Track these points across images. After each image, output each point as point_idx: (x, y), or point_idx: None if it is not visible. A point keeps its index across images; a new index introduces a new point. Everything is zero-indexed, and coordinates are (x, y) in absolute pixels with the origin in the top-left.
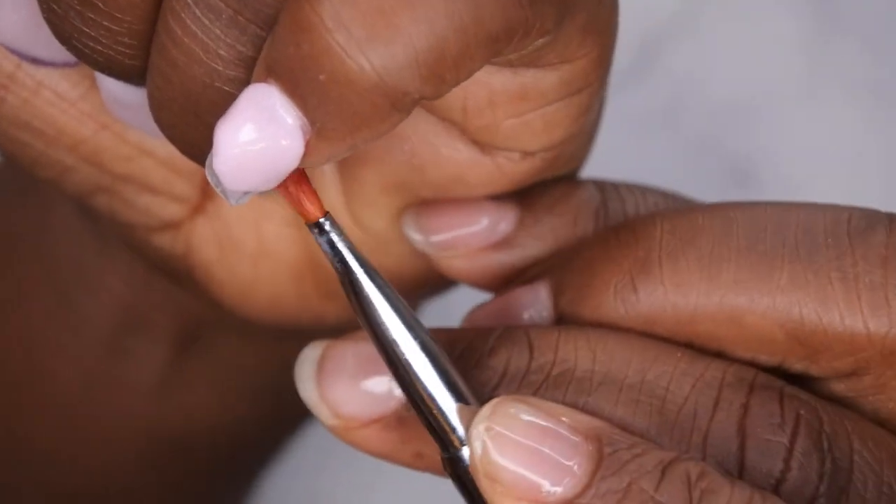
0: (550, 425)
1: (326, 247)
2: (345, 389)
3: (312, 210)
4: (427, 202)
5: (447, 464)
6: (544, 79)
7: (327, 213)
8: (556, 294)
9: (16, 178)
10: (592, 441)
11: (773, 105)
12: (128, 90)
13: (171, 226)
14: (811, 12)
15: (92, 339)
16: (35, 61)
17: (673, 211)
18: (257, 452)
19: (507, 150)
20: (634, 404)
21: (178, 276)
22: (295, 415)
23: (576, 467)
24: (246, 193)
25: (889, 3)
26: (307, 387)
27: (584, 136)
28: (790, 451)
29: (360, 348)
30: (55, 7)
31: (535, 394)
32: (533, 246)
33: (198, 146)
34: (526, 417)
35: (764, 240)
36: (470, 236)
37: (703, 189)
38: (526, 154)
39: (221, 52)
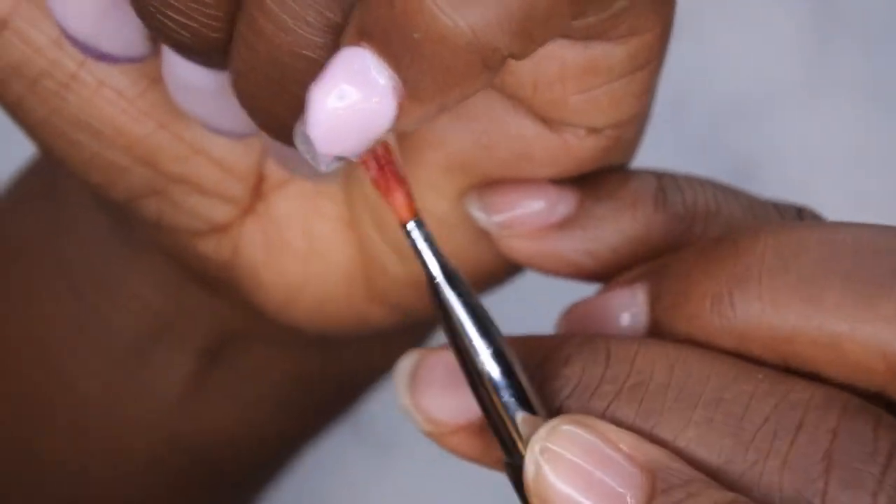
0: (608, 451)
1: (412, 248)
2: (435, 397)
3: (403, 211)
4: (491, 182)
5: (509, 470)
6: (613, 53)
7: (418, 216)
8: (653, 298)
9: (36, 185)
10: (647, 474)
11: (774, 104)
12: (200, 75)
13: (219, 229)
14: (812, 12)
15: (114, 349)
16: (102, 56)
17: (777, 226)
18: (276, 462)
19: (573, 126)
20: (707, 424)
21: (218, 283)
22: (316, 426)
23: (629, 498)
24: (337, 160)
25: (889, 3)
26: (402, 394)
27: (642, 118)
28: (880, 483)
29: (451, 357)
30: None
31: (606, 406)
32: (593, 228)
33: (279, 117)
34: (584, 440)
35: (870, 265)
36: (532, 215)
37: None
38: (591, 131)
39: (310, 19)
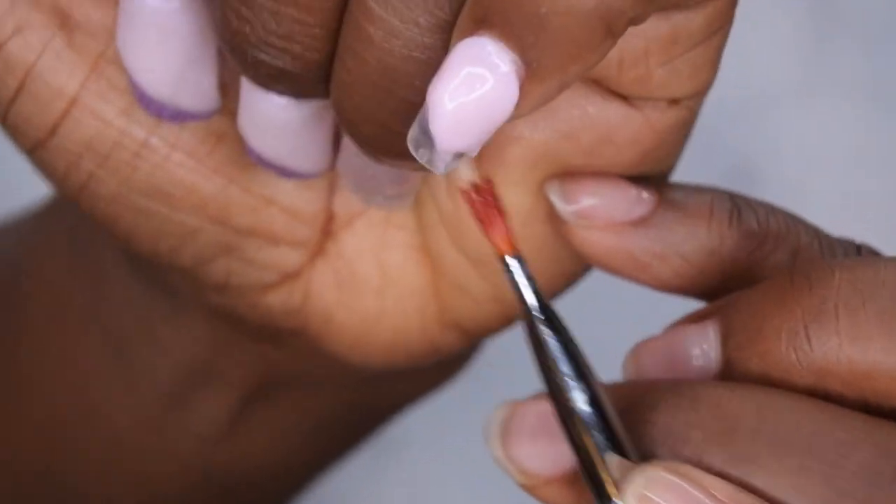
0: (704, 500)
1: (510, 283)
2: (527, 447)
3: (503, 245)
4: (573, 171)
5: None
6: (693, 20)
7: (517, 251)
8: (725, 336)
9: (54, 227)
10: None
11: (772, 104)
12: (288, 108)
13: (290, 276)
14: (810, 12)
15: (151, 392)
16: (178, 115)
17: (852, 260)
18: (301, 487)
19: (655, 100)
20: (800, 472)
21: (282, 333)
22: (345, 454)
23: None
24: (457, 157)
25: (888, 3)
26: (494, 446)
27: (711, 85)
28: None
29: (542, 407)
30: (246, 12)
31: (695, 452)
32: (668, 232)
33: (386, 126)
34: (680, 489)
35: None
36: (612, 206)
37: None
38: (672, 102)
39: (420, 20)
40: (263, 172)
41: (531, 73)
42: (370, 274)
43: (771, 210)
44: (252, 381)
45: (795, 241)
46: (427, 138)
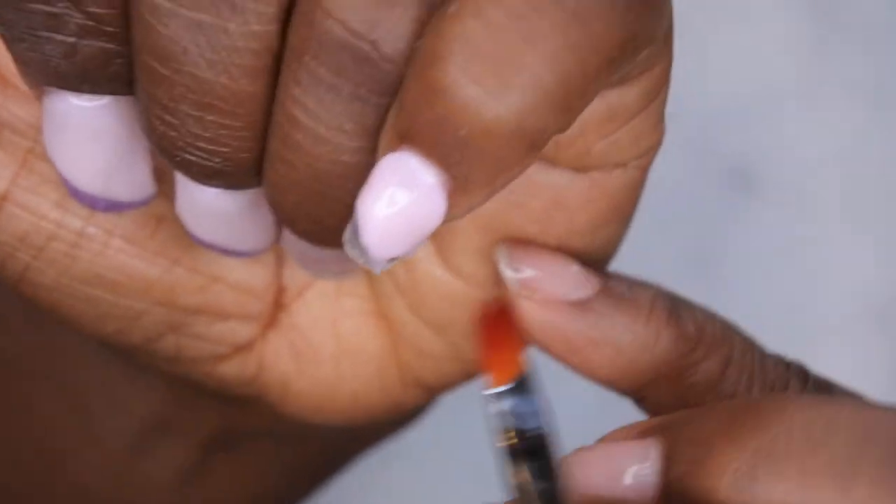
0: None
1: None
2: None
3: (503, 375)
4: (523, 239)
5: None
6: (628, 94)
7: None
8: (668, 459)
9: (22, 306)
10: None
11: (771, 106)
12: (224, 199)
13: (243, 348)
14: (810, 13)
15: (115, 446)
16: (113, 206)
17: (805, 400)
18: None
19: (599, 168)
20: None
21: (241, 398)
22: (310, 492)
23: None
24: (391, 260)
25: (888, 4)
26: None
27: (661, 142)
28: None
29: None
30: (170, 119)
31: None
32: (607, 319)
33: (326, 224)
34: None
35: None
36: (555, 282)
37: (702, 190)
38: (618, 165)
39: (346, 127)
40: (208, 251)
41: (457, 187)
42: (326, 343)
43: (709, 316)
44: (214, 433)
45: (728, 352)
46: (360, 244)
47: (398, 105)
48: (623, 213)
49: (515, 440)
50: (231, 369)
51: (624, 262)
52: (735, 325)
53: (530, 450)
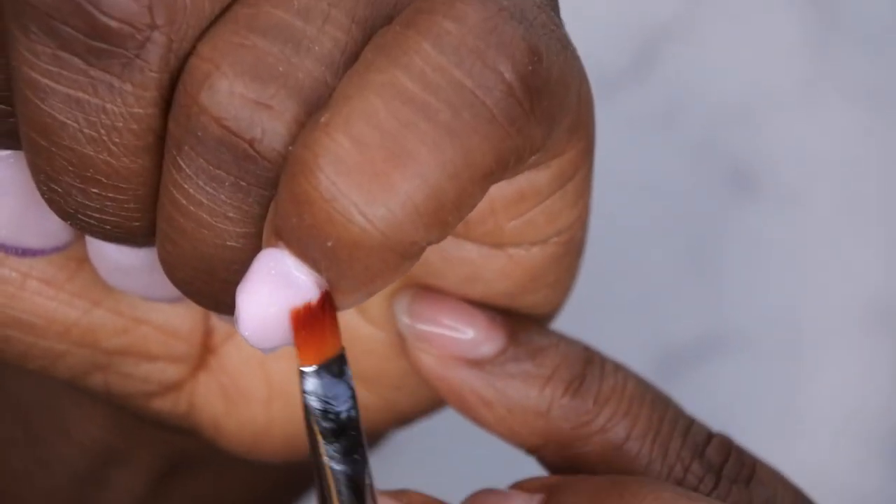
0: None
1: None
2: None
3: (311, 355)
4: (428, 289)
5: None
6: (538, 178)
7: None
8: None
9: None
10: None
11: (772, 108)
12: (129, 255)
13: (172, 388)
14: (811, 15)
15: (65, 472)
16: (24, 252)
17: (669, 492)
18: None
19: (515, 246)
20: None
21: (180, 432)
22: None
23: None
24: (273, 348)
25: (889, 6)
26: None
27: (588, 215)
28: None
29: None
30: (56, 188)
31: None
32: (500, 381)
33: (217, 299)
34: None
35: None
36: (451, 341)
37: (702, 192)
38: (535, 243)
39: (230, 215)
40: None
41: (333, 288)
42: (256, 386)
43: (622, 387)
44: (165, 460)
45: (630, 427)
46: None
47: (274, 204)
48: (549, 280)
49: (322, 419)
50: (164, 405)
51: (624, 262)
52: (662, 396)
53: (337, 431)
